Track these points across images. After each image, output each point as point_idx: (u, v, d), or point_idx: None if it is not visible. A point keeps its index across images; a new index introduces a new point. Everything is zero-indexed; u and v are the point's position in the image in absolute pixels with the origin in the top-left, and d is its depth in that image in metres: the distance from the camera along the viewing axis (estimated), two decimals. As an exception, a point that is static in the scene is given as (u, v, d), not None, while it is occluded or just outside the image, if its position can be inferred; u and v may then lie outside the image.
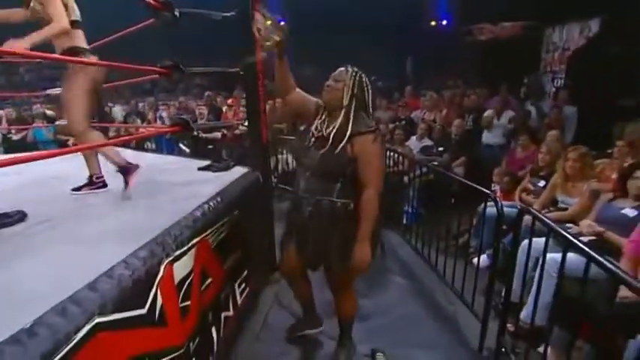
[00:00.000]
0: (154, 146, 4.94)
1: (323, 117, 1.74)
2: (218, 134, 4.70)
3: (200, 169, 2.54)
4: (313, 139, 1.71)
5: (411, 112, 5.56)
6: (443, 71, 8.14)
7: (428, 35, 8.19)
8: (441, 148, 4.33)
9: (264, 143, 2.59)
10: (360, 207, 1.67)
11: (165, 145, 4.94)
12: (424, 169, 3.52)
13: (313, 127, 1.74)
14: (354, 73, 1.71)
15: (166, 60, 2.11)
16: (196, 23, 2.30)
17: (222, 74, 2.54)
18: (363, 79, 1.72)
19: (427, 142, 4.58)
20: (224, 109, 5.76)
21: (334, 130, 1.67)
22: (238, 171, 2.47)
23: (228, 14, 2.41)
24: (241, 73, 2.43)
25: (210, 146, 4.66)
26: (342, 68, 1.75)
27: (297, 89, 1.85)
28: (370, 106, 1.73)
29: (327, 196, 1.70)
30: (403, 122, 5.15)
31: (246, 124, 2.75)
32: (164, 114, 5.76)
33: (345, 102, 1.69)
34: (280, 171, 4.76)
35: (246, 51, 2.44)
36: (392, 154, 3.84)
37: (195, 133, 2.44)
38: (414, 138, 4.63)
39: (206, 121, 4.75)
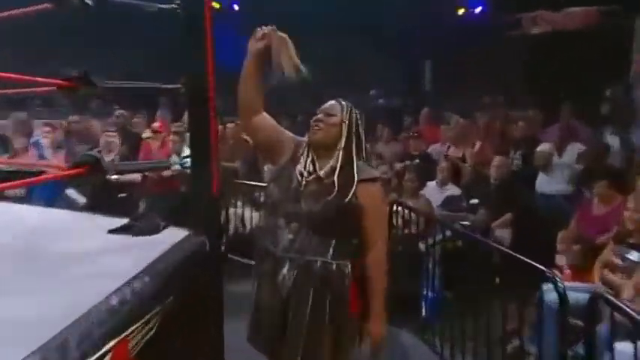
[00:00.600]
0: (21, 191, 4.75)
1: (310, 157, 2.05)
2: (137, 176, 4.82)
3: (112, 231, 2.63)
4: (304, 183, 1.99)
5: (428, 146, 6.01)
6: (476, 83, 8.71)
7: (454, 30, 8.51)
8: (474, 200, 4.64)
9: (214, 193, 2.73)
10: (367, 272, 1.97)
11: (40, 190, 4.76)
12: (448, 232, 3.71)
13: (301, 168, 2.02)
14: (349, 108, 2.05)
15: (72, 69, 2.28)
16: (121, 16, 2.51)
17: (152, 91, 2.72)
18: (358, 115, 2.07)
19: (453, 190, 4.92)
20: (145, 135, 6.04)
21: (336, 174, 1.97)
22: (173, 235, 2.56)
23: (166, 6, 2.65)
24: (183, 89, 2.63)
25: (122, 194, 4.78)
26: (334, 102, 2.07)
27: (264, 113, 2.11)
28: (364, 148, 2.08)
29: (319, 256, 1.95)
30: (417, 161, 5.53)
31: (186, 163, 2.90)
32: (44, 141, 5.76)
33: (343, 142, 2.01)
34: (232, 233, 5.02)
35: (192, 57, 2.66)
36: (399, 208, 4.08)
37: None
38: (433, 184, 4.98)
39: (119, 155, 4.89)
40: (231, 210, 5.01)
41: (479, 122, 6.40)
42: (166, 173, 5.00)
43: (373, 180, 2.03)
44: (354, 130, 2.03)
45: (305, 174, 2.01)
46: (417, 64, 9.67)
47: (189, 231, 2.68)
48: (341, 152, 2.00)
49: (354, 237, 2.02)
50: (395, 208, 4.15)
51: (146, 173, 5.07)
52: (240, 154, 6.08)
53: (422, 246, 4.06)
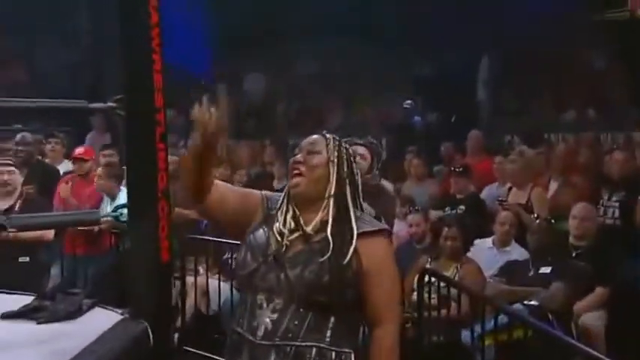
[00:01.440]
0: None
1: (290, 211, 2.18)
2: (48, 233, 4.86)
3: (7, 316, 2.68)
4: (286, 245, 2.12)
5: (479, 187, 6.12)
6: (552, 93, 8.88)
7: (521, 14, 8.95)
8: (545, 269, 4.59)
9: (162, 257, 2.82)
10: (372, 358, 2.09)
11: None
12: (506, 318, 3.76)
13: (279, 226, 2.16)
14: (337, 143, 2.19)
15: None
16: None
17: (77, 110, 2.85)
18: (350, 151, 2.22)
19: (515, 252, 4.94)
20: (63, 169, 6.30)
21: (329, 227, 2.10)
22: (100, 320, 2.62)
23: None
24: (118, 110, 2.76)
25: (23, 258, 4.79)
26: (317, 136, 2.21)
27: (216, 183, 2.26)
28: (360, 193, 2.21)
29: (314, 341, 2.05)
30: (461, 208, 5.64)
31: (121, 214, 2.98)
32: None
33: (333, 187, 2.14)
34: (191, 315, 5.06)
35: (132, 65, 2.79)
36: (432, 279, 4.18)
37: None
38: (485, 243, 5.08)
39: (21, 199, 4.92)
40: (190, 280, 5.05)
41: (555, 152, 6.51)
42: (93, 227, 5.05)
43: (378, 233, 2.14)
44: (345, 170, 2.16)
45: (286, 233, 2.12)
46: (466, 65, 9.86)
47: (124, 313, 2.74)
48: (331, 200, 2.12)
49: (359, 313, 2.12)
50: (427, 278, 4.21)
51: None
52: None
53: (466, 336, 4.07)
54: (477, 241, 5.10)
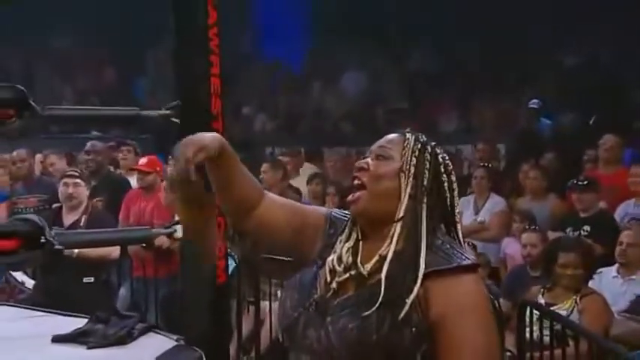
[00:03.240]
0: None
1: (352, 238, 1.88)
2: (112, 250, 5.18)
3: (57, 339, 2.94)
4: (332, 288, 1.82)
5: (612, 204, 6.05)
6: None
7: None
8: None
9: (219, 282, 3.03)
10: None
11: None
12: None
13: (334, 258, 1.86)
14: (419, 145, 1.85)
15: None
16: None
17: (127, 119, 3.11)
18: (439, 157, 1.87)
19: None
20: (135, 183, 6.56)
21: (385, 267, 1.76)
22: (153, 345, 2.86)
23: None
24: (173, 117, 2.99)
25: (87, 278, 5.14)
26: (394, 135, 1.89)
27: (268, 194, 1.98)
28: (456, 213, 1.88)
29: None
30: (585, 229, 5.61)
31: (176, 230, 3.21)
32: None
33: (403, 208, 1.81)
34: (266, 347, 5.14)
35: (189, 72, 3.03)
36: (538, 314, 4.24)
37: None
38: (612, 272, 4.99)
39: (88, 214, 5.31)
40: (265, 304, 5.22)
41: None
42: (162, 244, 5.30)
43: (461, 270, 1.76)
44: (425, 183, 1.82)
45: (339, 269, 1.82)
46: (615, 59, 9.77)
47: (179, 340, 2.95)
48: (398, 226, 1.80)
49: None
50: (529, 312, 4.25)
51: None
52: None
53: None
54: (602, 270, 5.04)
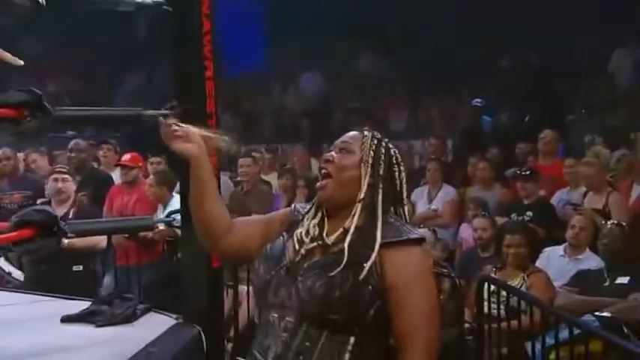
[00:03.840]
0: None
1: (318, 217, 2.13)
2: (99, 240, 5.25)
3: (67, 319, 3.03)
4: (301, 254, 2.06)
5: (550, 190, 6.24)
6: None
7: None
8: (623, 279, 4.68)
9: (214, 263, 3.11)
10: None
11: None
12: (577, 330, 3.81)
13: (302, 231, 2.10)
14: (376, 141, 2.11)
15: (17, 91, 2.71)
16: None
17: (131, 119, 3.17)
18: (391, 151, 2.13)
19: (589, 260, 5.01)
20: (117, 177, 6.66)
21: (348, 238, 2.02)
22: (154, 324, 2.94)
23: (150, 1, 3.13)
24: (172, 115, 3.05)
25: (77, 267, 5.23)
26: (354, 132, 2.15)
27: (238, 220, 2.21)
28: (404, 198, 2.15)
29: None
30: (528, 214, 5.77)
31: (174, 219, 3.28)
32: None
33: (364, 191, 2.06)
34: (244, 326, 5.19)
35: (185, 75, 3.10)
36: (494, 288, 4.37)
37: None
38: (556, 251, 5.20)
39: (76, 207, 5.34)
40: (243, 288, 5.22)
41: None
42: (147, 234, 5.41)
43: (409, 243, 2.03)
44: (380, 173, 2.08)
45: (306, 240, 2.06)
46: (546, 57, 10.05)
47: (178, 318, 3.02)
48: (359, 206, 2.05)
49: (385, 335, 2.04)
50: (487, 286, 4.40)
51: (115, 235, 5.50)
52: (259, 202, 6.50)
53: (530, 348, 4.20)
54: (546, 249, 5.24)
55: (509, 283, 4.63)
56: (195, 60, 3.07)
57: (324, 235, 2.06)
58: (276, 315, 2.03)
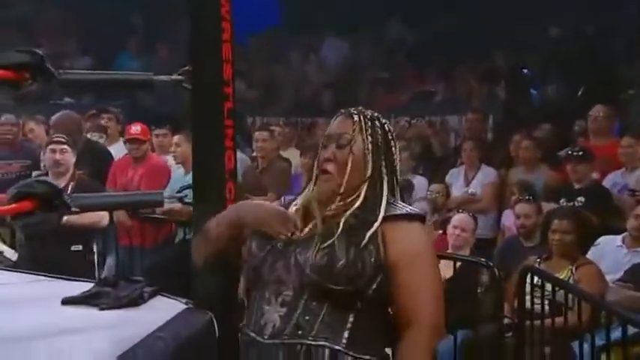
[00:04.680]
0: None
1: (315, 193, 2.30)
2: (101, 217, 5.28)
3: (68, 301, 3.04)
4: (300, 228, 2.20)
5: (603, 173, 6.21)
6: None
7: None
8: None
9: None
10: None
11: None
12: (632, 330, 3.82)
13: (295, 206, 2.30)
14: (369, 123, 2.28)
15: (17, 52, 2.74)
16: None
17: (139, 83, 3.20)
18: (386, 127, 2.31)
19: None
20: (116, 151, 6.83)
21: (351, 210, 2.19)
22: (164, 308, 2.94)
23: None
24: (184, 83, 3.09)
25: (75, 246, 5.28)
26: (344, 118, 2.31)
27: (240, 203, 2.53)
28: (398, 173, 2.32)
29: (327, 340, 2.10)
30: (580, 200, 5.78)
31: (185, 196, 3.32)
32: None
33: (369, 170, 2.24)
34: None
35: (199, 34, 3.12)
36: (539, 282, 4.39)
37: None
38: (611, 242, 5.15)
39: (74, 181, 5.34)
40: None
41: None
42: (155, 214, 5.52)
43: (410, 217, 2.20)
44: (382, 155, 2.25)
45: (301, 211, 2.24)
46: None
47: (188, 303, 3.05)
48: (365, 185, 2.22)
49: (385, 314, 2.18)
50: (530, 278, 4.43)
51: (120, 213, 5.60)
52: (275, 181, 6.53)
53: (577, 348, 4.19)
54: (601, 239, 5.19)
55: (555, 275, 4.63)
56: (212, 21, 3.07)
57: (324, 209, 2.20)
58: (271, 290, 2.16)
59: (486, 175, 6.88)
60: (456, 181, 6.95)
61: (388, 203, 2.20)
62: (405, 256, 2.13)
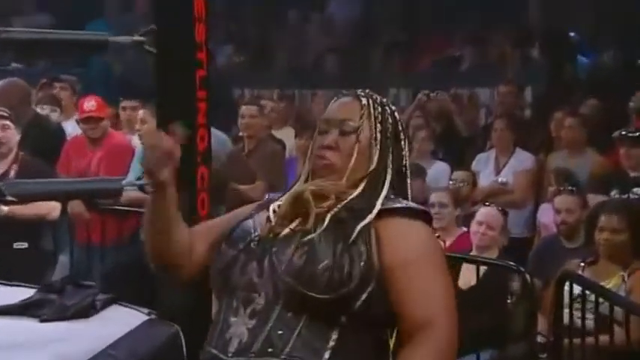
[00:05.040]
0: None
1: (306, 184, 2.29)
2: (51, 208, 5.21)
3: (3, 311, 2.99)
4: (278, 224, 2.18)
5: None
6: None
7: None
8: None
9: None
10: None
11: None
12: None
13: (276, 204, 2.25)
14: (379, 109, 2.31)
15: None
16: None
17: (93, 46, 3.18)
18: (396, 115, 2.34)
19: None
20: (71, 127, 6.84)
21: (342, 204, 2.16)
22: (120, 320, 2.95)
23: None
24: (147, 45, 3.07)
25: (19, 244, 5.28)
26: (349, 101, 2.32)
27: (194, 230, 2.37)
28: (408, 169, 2.35)
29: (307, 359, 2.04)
30: (636, 192, 5.77)
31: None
32: None
33: (375, 161, 2.26)
34: None
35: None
36: (581, 292, 4.32)
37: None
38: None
39: (17, 164, 5.31)
40: None
41: None
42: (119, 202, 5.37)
43: (410, 213, 2.19)
44: (388, 145, 2.27)
45: (281, 211, 2.20)
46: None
47: (151, 313, 3.03)
48: (366, 180, 2.23)
49: (375, 333, 2.14)
50: (570, 287, 4.39)
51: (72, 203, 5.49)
52: (266, 167, 6.50)
53: None
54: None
55: (601, 283, 4.57)
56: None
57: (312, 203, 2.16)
58: (240, 298, 2.11)
59: (521, 160, 6.84)
60: (485, 168, 6.92)
61: (388, 198, 2.19)
62: (405, 258, 2.09)
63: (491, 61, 10.09)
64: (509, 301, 4.63)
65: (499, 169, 6.87)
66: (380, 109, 2.27)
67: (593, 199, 5.77)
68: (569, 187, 5.82)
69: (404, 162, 2.31)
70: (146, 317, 3.05)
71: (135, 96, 7.13)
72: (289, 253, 2.07)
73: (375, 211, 2.12)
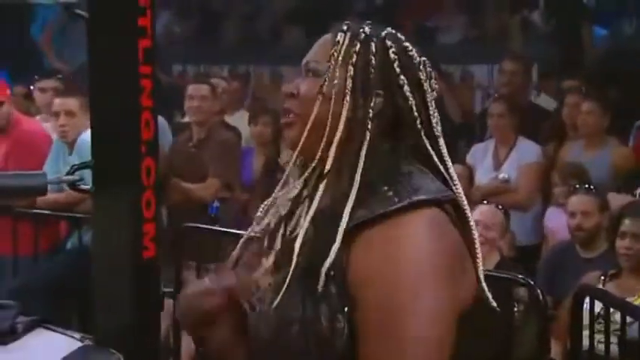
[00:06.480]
0: None
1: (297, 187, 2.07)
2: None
3: None
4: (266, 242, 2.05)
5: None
6: None
7: None
8: None
9: (147, 257, 3.14)
10: None
11: None
12: None
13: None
14: (357, 46, 1.98)
15: None
16: None
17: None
18: (391, 52, 1.98)
19: None
20: None
21: (305, 224, 1.91)
22: (47, 347, 2.99)
23: None
24: (75, 9, 3.07)
25: None
26: (326, 37, 2.05)
27: None
28: (435, 127, 1.99)
29: None
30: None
31: (80, 179, 3.29)
32: None
33: (340, 129, 1.94)
34: (187, 349, 5.23)
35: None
36: (603, 311, 4.33)
37: None
38: None
39: None
40: None
41: None
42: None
43: (398, 213, 1.81)
44: (369, 100, 1.94)
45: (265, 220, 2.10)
46: None
47: (84, 339, 3.02)
48: (327, 164, 1.94)
49: None
50: (590, 305, 4.41)
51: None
52: (218, 159, 6.49)
53: None
54: None
55: (626, 299, 4.61)
56: None
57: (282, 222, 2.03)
58: None
59: (525, 152, 6.87)
60: (482, 162, 6.96)
61: (379, 191, 1.87)
62: (370, 277, 1.80)
63: (488, 32, 10.15)
64: (515, 320, 4.64)
65: (499, 162, 6.89)
66: (360, 45, 1.96)
67: (615, 198, 5.80)
68: (586, 185, 5.78)
69: (414, 113, 1.94)
70: (79, 343, 3.05)
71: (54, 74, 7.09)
72: (267, 305, 1.91)
73: (339, 238, 1.82)
